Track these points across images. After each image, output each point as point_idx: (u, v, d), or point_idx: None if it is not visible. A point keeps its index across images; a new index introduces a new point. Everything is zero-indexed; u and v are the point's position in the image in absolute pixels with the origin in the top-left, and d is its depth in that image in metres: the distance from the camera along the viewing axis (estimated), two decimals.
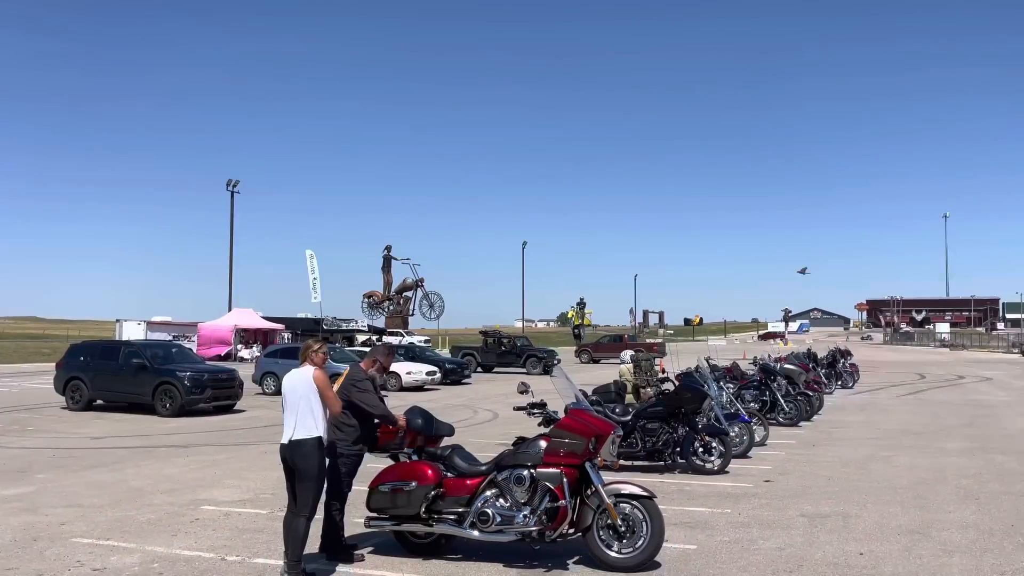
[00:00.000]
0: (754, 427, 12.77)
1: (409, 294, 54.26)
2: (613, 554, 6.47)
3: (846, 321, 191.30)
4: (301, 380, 6.31)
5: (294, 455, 6.20)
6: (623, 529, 6.46)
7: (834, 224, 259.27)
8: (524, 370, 35.95)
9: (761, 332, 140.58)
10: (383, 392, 7.26)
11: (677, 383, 11.87)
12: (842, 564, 6.71)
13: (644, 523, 6.45)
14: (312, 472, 6.19)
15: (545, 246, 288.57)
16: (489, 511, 6.58)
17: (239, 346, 46.41)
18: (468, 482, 6.78)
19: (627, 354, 15.73)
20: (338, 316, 54.87)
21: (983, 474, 11.07)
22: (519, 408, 7.18)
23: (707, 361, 14.71)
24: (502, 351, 37.84)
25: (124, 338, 37.59)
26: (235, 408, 19.79)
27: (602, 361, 45.73)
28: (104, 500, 9.22)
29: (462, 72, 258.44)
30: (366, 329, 54.11)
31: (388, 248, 54.58)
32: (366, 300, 54.73)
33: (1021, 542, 7.42)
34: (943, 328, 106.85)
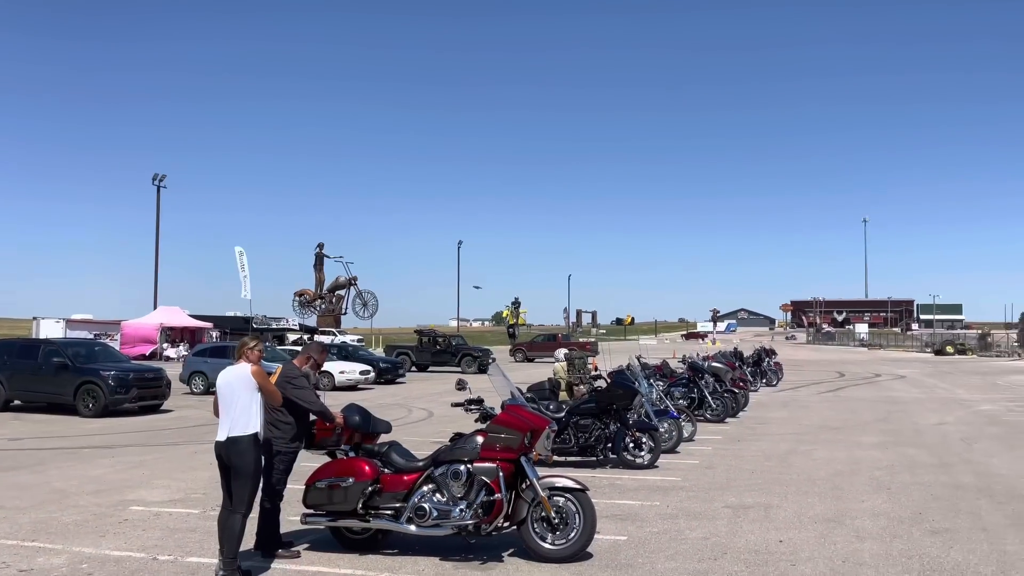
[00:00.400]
0: (682, 423, 13.18)
1: (342, 292, 53.57)
2: (547, 546, 6.64)
3: (772, 321, 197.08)
4: (237, 377, 6.29)
5: (230, 452, 6.18)
6: (556, 521, 6.63)
7: (760, 227, 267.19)
8: (459, 369, 36.03)
9: (686, 332, 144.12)
10: (317, 390, 7.27)
11: (609, 381, 12.16)
12: (763, 551, 7.05)
13: (577, 515, 6.65)
14: (248, 469, 6.18)
15: (481, 246, 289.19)
16: (426, 506, 6.68)
17: (165, 345, 45.26)
18: (405, 478, 6.86)
19: (561, 352, 16.02)
20: (269, 314, 53.95)
21: (894, 466, 11.68)
22: (457, 404, 7.31)
23: (638, 359, 15.07)
24: (437, 350, 37.80)
25: (42, 336, 36.21)
26: (162, 408, 19.33)
27: (536, 360, 46.16)
28: (27, 502, 8.95)
29: (388, 67, 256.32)
30: (297, 328, 53.29)
31: (320, 246, 53.77)
32: (297, 299, 53.80)
33: (928, 528, 7.91)
34: (862, 328, 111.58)
